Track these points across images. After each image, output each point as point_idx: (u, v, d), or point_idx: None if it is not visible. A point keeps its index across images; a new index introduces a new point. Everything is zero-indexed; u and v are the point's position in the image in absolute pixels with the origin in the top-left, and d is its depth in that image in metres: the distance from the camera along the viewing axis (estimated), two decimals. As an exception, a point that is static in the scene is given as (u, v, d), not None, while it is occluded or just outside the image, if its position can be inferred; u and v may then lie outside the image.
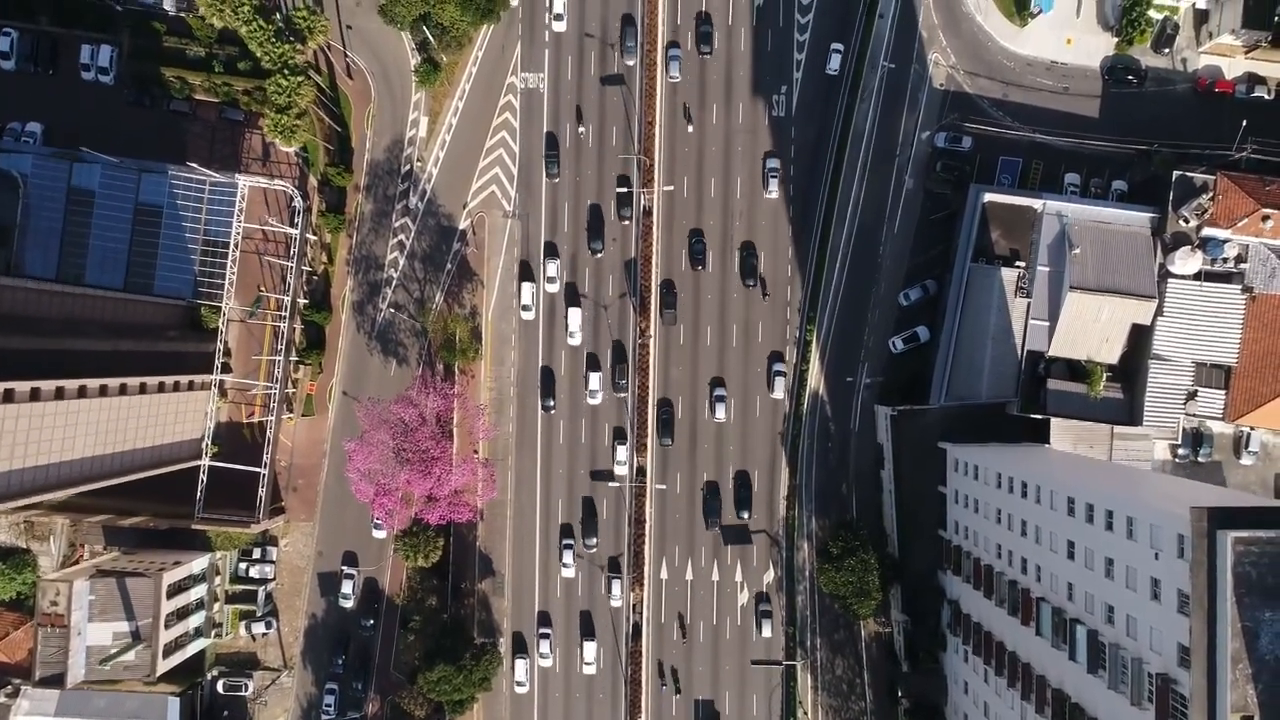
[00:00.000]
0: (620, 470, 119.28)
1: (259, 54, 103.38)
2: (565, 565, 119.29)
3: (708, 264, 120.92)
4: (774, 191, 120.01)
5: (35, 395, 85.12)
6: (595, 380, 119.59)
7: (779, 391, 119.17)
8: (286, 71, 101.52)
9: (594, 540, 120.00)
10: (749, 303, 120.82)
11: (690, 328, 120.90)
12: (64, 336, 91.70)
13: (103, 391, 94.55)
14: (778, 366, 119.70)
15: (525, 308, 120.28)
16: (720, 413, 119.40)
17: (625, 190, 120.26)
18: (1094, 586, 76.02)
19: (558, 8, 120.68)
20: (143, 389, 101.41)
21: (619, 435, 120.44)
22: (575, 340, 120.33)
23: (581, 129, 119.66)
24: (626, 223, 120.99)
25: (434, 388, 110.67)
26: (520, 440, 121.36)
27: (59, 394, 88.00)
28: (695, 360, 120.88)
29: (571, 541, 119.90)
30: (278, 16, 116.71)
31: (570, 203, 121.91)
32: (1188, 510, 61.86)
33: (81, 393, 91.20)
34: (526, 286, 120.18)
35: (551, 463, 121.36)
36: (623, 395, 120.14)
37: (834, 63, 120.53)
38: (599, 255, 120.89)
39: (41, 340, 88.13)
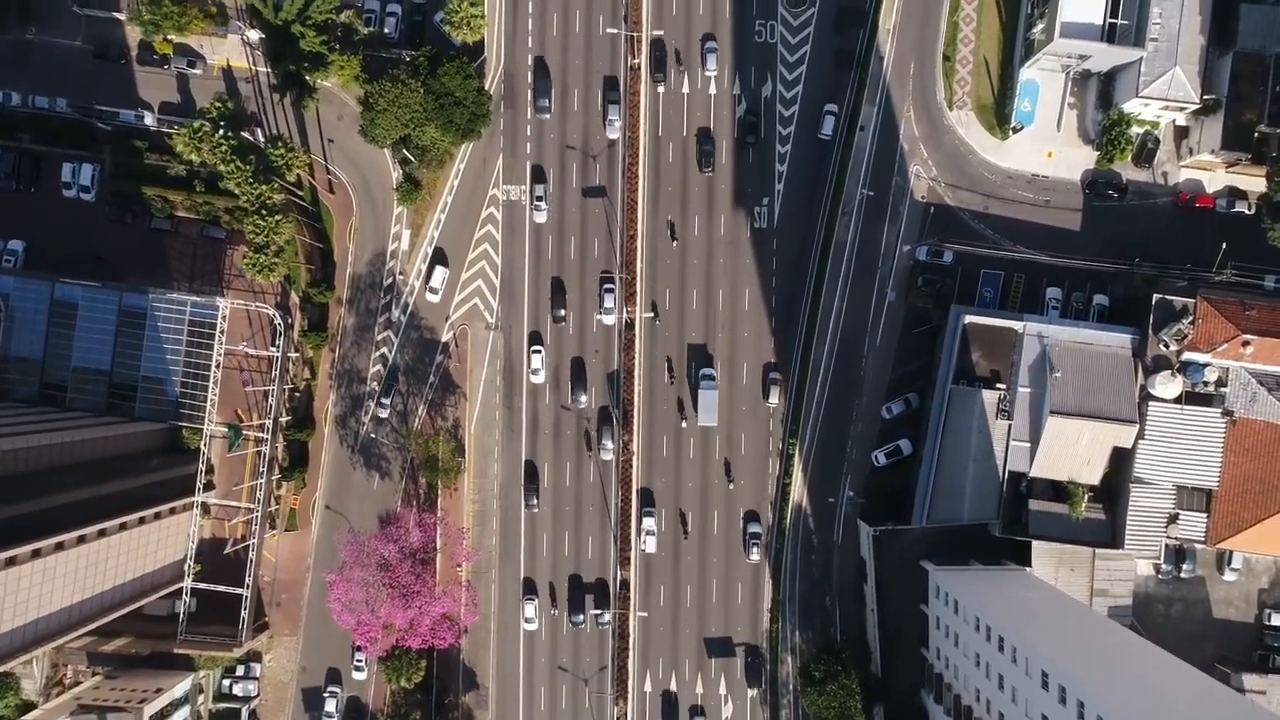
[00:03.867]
0: (609, 583, 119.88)
1: (237, 192, 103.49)
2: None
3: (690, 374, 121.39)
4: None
5: (11, 562, 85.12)
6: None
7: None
8: (264, 211, 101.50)
9: (579, 652, 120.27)
10: (733, 418, 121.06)
11: (673, 443, 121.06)
12: (42, 495, 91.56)
13: (81, 540, 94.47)
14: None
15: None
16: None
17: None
18: (1067, 770, 76.07)
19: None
20: (123, 528, 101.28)
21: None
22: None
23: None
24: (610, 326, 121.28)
25: (415, 520, 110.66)
26: (504, 552, 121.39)
27: (36, 554, 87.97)
28: (678, 473, 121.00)
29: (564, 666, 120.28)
30: (259, 134, 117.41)
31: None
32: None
33: (60, 547, 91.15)
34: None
35: (536, 572, 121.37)
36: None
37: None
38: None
39: (18, 506, 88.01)
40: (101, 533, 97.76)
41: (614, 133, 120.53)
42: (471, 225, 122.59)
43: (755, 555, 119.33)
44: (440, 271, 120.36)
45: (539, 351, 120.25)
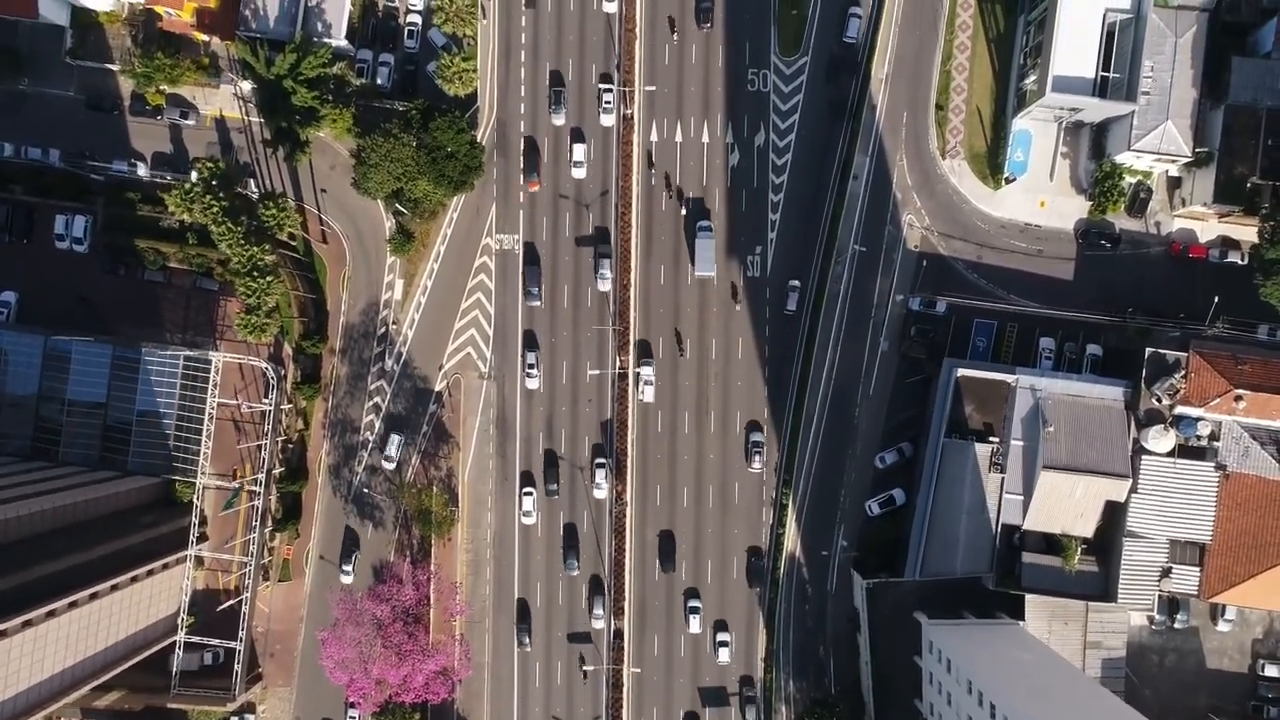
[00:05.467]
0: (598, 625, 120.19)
1: (228, 254, 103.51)
2: None
3: (684, 424, 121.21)
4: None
5: (2, 635, 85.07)
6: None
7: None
8: (256, 273, 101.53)
9: (573, 703, 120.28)
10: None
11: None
12: (35, 563, 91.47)
13: (73, 606, 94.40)
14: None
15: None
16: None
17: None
18: None
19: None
20: (114, 588, 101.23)
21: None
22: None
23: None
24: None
25: (408, 577, 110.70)
26: (497, 603, 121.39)
27: (27, 625, 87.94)
28: (672, 518, 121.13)
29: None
30: (252, 186, 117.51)
31: (547, 365, 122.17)
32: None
33: (51, 614, 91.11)
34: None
35: (529, 623, 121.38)
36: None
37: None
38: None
39: (12, 577, 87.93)
40: (93, 595, 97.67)
41: (605, 285, 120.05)
42: (465, 274, 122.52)
43: (757, 465, 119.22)
44: (395, 439, 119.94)
45: (530, 494, 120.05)
